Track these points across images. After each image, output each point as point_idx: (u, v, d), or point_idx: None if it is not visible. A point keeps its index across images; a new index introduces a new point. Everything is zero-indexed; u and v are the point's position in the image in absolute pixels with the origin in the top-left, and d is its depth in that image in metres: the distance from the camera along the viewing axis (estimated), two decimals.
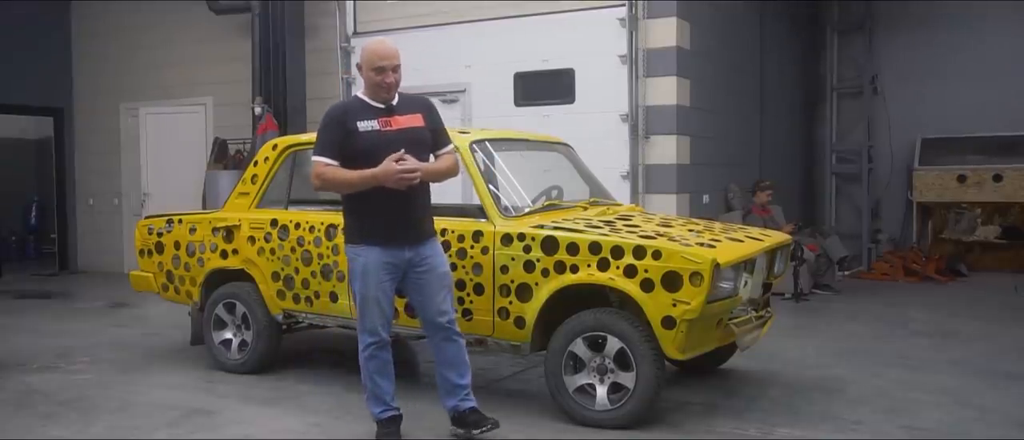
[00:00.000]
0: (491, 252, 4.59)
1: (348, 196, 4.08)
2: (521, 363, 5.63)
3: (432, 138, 4.14)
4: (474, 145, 4.93)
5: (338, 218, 5.16)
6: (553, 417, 4.50)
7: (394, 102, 4.06)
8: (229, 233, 5.61)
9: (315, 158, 4.00)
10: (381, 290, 4.01)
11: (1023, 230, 11.00)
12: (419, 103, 4.19)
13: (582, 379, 4.41)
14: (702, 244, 4.32)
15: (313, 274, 5.21)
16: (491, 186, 4.81)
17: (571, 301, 4.47)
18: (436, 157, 4.17)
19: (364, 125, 3.97)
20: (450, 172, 4.19)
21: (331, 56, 9.52)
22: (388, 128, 4.00)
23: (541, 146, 5.75)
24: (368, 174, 3.88)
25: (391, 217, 3.97)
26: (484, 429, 4.11)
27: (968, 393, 5.01)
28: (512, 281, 4.53)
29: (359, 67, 4.08)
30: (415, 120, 4.08)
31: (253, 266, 5.50)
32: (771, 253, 4.98)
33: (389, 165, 3.83)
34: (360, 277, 4.03)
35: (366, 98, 4.07)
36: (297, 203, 5.69)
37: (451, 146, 4.23)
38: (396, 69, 4.00)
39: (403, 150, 3.87)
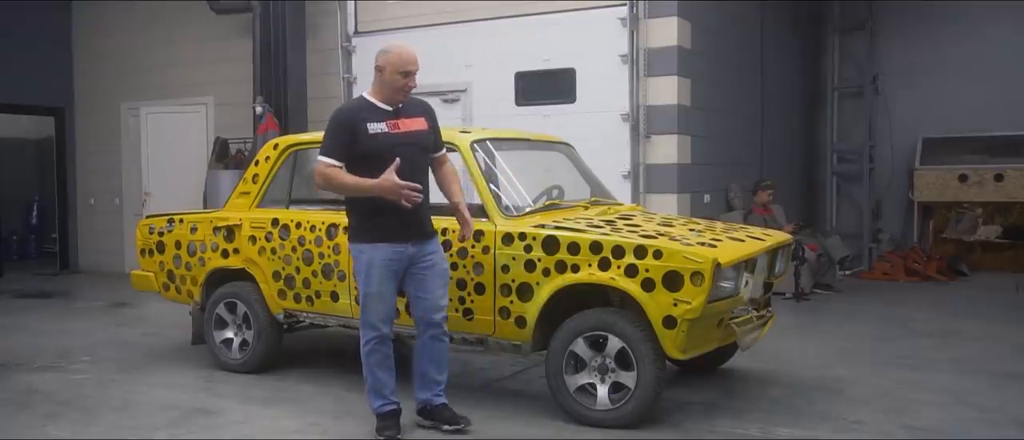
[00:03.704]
0: (492, 251, 4.58)
1: (351, 196, 4.16)
2: (522, 363, 5.63)
3: (433, 141, 4.32)
4: (475, 145, 4.93)
5: (339, 218, 5.19)
6: (554, 417, 4.50)
7: (400, 106, 4.16)
8: (230, 232, 5.61)
9: (320, 158, 4.09)
10: (384, 286, 4.12)
11: None
12: (420, 107, 4.32)
13: (583, 379, 4.41)
14: (703, 244, 4.32)
15: (314, 273, 5.21)
16: (492, 185, 4.81)
17: (572, 301, 4.47)
18: (434, 159, 4.36)
19: (373, 127, 4.08)
20: (458, 179, 4.43)
21: (332, 56, 9.52)
22: (396, 130, 4.13)
23: (542, 146, 5.75)
24: (370, 184, 3.98)
25: (395, 216, 4.04)
26: (458, 427, 4.24)
27: (969, 393, 5.00)
28: (513, 280, 4.53)
29: (380, 68, 4.12)
30: (419, 123, 4.23)
31: (254, 265, 5.50)
32: (772, 253, 4.98)
33: (393, 179, 3.92)
34: (364, 274, 4.13)
35: (374, 100, 4.16)
36: (298, 202, 5.69)
37: (444, 150, 4.44)
38: (415, 74, 4.15)
39: (398, 161, 3.95)
